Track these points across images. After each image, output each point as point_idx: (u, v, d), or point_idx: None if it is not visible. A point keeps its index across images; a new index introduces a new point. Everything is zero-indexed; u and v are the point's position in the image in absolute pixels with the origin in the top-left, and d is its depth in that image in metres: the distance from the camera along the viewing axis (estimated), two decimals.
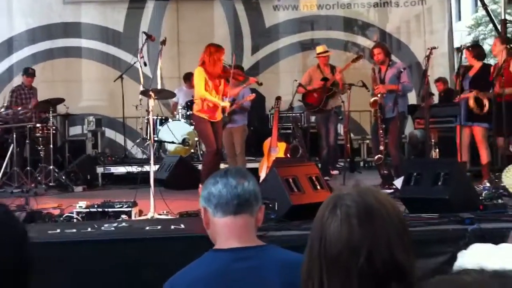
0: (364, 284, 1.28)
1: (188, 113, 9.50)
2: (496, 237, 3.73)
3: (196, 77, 6.92)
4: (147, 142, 9.76)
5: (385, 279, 1.28)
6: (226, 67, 7.12)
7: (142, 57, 6.82)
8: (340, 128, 9.57)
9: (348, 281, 1.28)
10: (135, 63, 8.77)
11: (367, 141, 10.67)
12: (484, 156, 7.32)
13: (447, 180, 5.19)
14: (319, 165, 8.59)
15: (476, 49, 7.69)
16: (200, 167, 8.87)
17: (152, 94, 5.99)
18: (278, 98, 8.78)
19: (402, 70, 7.58)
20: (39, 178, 8.38)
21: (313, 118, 9.94)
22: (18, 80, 10.70)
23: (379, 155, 7.44)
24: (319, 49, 9.04)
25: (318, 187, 5.28)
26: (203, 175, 6.86)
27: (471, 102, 7.12)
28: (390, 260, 1.29)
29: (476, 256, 1.62)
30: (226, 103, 7.09)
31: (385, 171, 7.49)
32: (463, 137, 7.41)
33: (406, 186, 5.46)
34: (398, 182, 6.00)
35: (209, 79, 6.90)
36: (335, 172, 8.51)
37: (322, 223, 1.33)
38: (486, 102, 7.10)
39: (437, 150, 8.13)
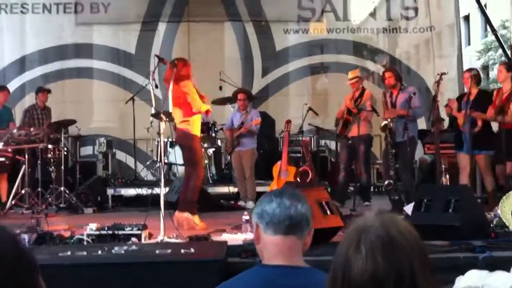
0: None
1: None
2: (508, 266, 3.70)
3: (190, 90, 6.52)
4: (157, 165, 9.80)
5: None
6: None
7: (154, 79, 6.83)
8: None
9: None
10: (146, 85, 8.83)
11: (377, 166, 10.64)
12: (489, 184, 7.28)
13: (457, 207, 5.19)
14: (330, 188, 8.53)
15: (477, 75, 7.58)
16: (209, 190, 8.89)
17: (163, 117, 6.01)
18: (288, 122, 8.77)
19: (413, 95, 7.58)
20: (49, 199, 8.41)
21: (322, 142, 9.86)
22: (29, 98, 10.79)
23: (389, 181, 7.42)
24: (349, 75, 8.71)
25: (328, 212, 5.25)
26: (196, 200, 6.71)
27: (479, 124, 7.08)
28: None
29: (470, 281, 1.69)
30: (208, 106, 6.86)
31: (395, 197, 7.46)
32: (462, 162, 7.35)
33: (417, 212, 5.45)
34: (409, 208, 5.97)
35: None
36: (367, 203, 8.30)
37: (346, 259, 1.34)
38: (479, 123, 7.08)
39: (447, 176, 8.10)
